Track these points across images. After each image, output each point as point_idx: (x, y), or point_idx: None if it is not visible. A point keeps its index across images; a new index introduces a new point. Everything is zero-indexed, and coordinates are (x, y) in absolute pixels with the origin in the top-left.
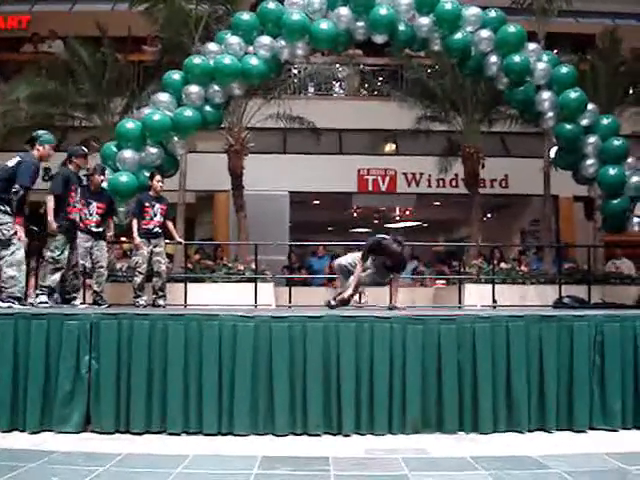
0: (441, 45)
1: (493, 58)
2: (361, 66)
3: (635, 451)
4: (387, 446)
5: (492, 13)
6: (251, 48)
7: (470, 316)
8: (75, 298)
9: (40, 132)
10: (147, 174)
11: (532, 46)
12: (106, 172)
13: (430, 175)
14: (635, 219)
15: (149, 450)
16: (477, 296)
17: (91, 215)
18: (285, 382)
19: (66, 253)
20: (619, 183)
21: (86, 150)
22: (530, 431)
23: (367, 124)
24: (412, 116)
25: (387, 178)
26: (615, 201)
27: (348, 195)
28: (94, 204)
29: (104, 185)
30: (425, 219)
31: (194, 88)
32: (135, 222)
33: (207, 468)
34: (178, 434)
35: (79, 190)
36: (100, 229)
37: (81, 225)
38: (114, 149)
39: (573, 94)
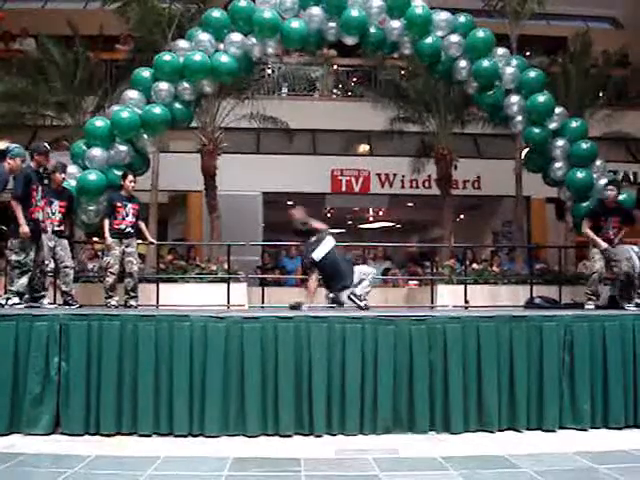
0: (411, 49)
1: (462, 63)
2: (335, 67)
3: (604, 450)
4: (358, 446)
5: (461, 18)
6: (222, 45)
7: (441, 317)
8: (43, 297)
9: (11, 146)
10: (118, 173)
11: (501, 50)
12: (67, 170)
13: (403, 176)
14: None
15: (119, 452)
16: (449, 296)
17: (53, 214)
18: (257, 383)
19: (32, 255)
20: (587, 186)
21: (48, 147)
22: (500, 431)
23: (341, 125)
24: (386, 117)
25: (360, 179)
26: (584, 204)
27: (322, 196)
28: (56, 203)
29: (65, 184)
30: (398, 220)
31: (163, 85)
32: (107, 222)
33: (178, 470)
34: (149, 435)
35: (40, 189)
36: (62, 228)
37: (44, 224)
38: (83, 147)
39: (541, 98)
